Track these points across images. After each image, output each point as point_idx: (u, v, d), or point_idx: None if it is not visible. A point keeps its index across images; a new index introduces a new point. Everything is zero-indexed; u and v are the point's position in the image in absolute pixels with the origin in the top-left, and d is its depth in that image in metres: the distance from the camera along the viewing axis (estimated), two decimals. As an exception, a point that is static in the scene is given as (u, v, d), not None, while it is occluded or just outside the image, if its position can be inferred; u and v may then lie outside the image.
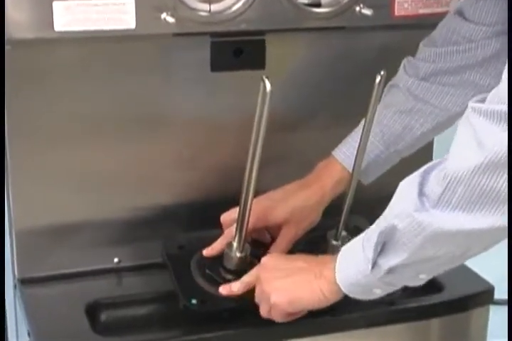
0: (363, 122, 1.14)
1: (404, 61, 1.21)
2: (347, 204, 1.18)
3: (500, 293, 1.26)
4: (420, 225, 0.92)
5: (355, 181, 1.16)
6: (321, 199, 1.18)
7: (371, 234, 1.00)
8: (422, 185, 0.93)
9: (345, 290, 1.04)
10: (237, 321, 1.15)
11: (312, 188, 1.19)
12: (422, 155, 1.35)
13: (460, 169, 0.88)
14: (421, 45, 1.20)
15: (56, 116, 1.20)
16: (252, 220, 1.13)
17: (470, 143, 0.87)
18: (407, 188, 0.95)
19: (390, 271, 0.98)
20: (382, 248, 0.98)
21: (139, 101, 1.23)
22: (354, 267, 1.01)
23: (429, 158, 1.38)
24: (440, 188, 0.90)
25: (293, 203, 1.18)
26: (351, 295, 1.04)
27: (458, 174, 0.88)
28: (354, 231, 1.25)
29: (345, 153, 1.19)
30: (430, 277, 1.02)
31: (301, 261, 1.09)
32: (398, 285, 1.03)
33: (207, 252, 1.18)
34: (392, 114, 1.18)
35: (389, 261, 0.97)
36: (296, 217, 1.17)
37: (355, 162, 1.15)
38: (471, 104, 0.89)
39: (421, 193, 0.93)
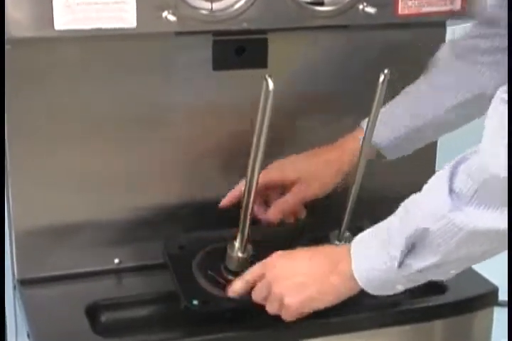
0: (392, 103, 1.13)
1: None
2: (349, 204, 1.17)
3: (505, 294, 1.26)
4: (457, 226, 0.89)
5: (358, 181, 1.16)
6: (338, 165, 1.17)
7: (395, 233, 0.97)
8: (451, 181, 0.91)
9: (362, 285, 1.02)
10: (239, 322, 1.14)
11: (332, 153, 1.18)
12: (424, 157, 1.36)
13: (495, 165, 0.85)
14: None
15: (56, 116, 1.20)
16: (266, 176, 1.12)
17: (501, 135, 0.84)
18: (436, 184, 0.93)
19: (421, 270, 0.97)
20: (410, 248, 0.96)
21: (139, 100, 1.22)
22: (375, 263, 0.99)
23: (432, 160, 1.39)
24: (475, 185, 0.87)
25: (308, 163, 1.18)
26: (369, 290, 1.03)
27: (493, 170, 0.86)
28: (357, 231, 1.25)
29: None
30: (460, 271, 1.01)
31: (307, 258, 1.08)
32: (424, 281, 1.02)
33: (222, 203, 1.19)
34: (421, 90, 1.17)
35: (420, 263, 0.96)
36: (309, 177, 1.16)
37: (358, 162, 1.15)
38: (500, 94, 0.87)
39: (451, 190, 0.90)
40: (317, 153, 1.20)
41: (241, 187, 1.14)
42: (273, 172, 1.18)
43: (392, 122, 1.16)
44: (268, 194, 1.21)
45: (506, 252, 0.99)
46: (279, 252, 1.13)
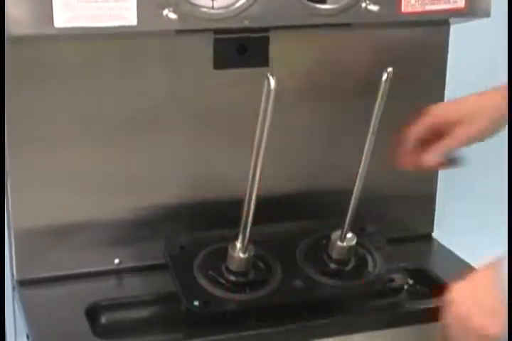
0: None
1: None
2: (352, 204, 1.17)
3: None
4: None
5: (360, 182, 1.16)
6: (496, 105, 1.16)
7: None
8: None
9: None
10: (240, 323, 1.14)
11: (488, 94, 1.17)
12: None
13: None
14: None
15: (56, 116, 1.20)
16: (429, 118, 1.15)
17: None
18: None
19: None
20: None
21: (140, 99, 1.22)
22: None
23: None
24: None
25: (467, 104, 1.17)
26: None
27: None
28: (360, 232, 1.25)
29: None
30: None
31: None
32: None
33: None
34: None
35: None
36: (474, 116, 1.16)
37: (361, 162, 1.14)
38: None
39: None
40: (479, 93, 1.20)
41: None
42: (436, 113, 1.18)
43: None
44: (426, 140, 1.19)
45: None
46: (458, 284, 1.09)
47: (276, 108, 1.04)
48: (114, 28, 1.12)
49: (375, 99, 1.11)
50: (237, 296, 1.16)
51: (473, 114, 1.17)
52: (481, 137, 1.20)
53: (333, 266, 1.21)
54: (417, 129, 1.17)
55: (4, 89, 1.13)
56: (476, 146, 1.26)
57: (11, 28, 1.09)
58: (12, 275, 1.25)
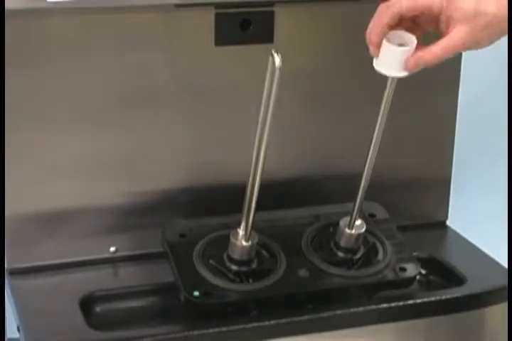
0: None
1: None
2: (361, 190, 1.17)
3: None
4: None
5: (370, 165, 1.15)
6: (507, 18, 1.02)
7: None
8: None
9: None
10: (243, 315, 1.14)
11: (502, 1, 1.03)
12: (437, 141, 1.36)
13: None
14: None
15: (50, 97, 1.20)
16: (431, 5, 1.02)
17: None
18: None
19: None
20: None
21: (138, 78, 1.22)
22: None
23: (447, 145, 1.38)
24: None
25: (481, 7, 1.02)
26: None
27: None
28: (369, 219, 1.24)
29: None
30: None
31: None
32: None
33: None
34: None
35: None
36: (475, 22, 1.02)
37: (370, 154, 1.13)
38: None
39: None
40: None
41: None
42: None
43: None
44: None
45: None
46: None
47: (281, 88, 1.03)
48: (111, 1, 1.12)
49: (386, 79, 1.10)
50: (239, 286, 1.16)
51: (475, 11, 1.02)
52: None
53: (340, 254, 1.21)
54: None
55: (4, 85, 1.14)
56: (492, 132, 1.26)
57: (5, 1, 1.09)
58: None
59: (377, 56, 1.05)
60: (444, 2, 1.03)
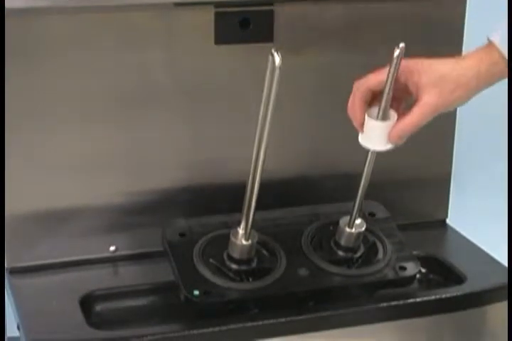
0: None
1: None
2: (361, 189, 1.17)
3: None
4: None
5: (370, 163, 1.15)
6: (476, 75, 1.07)
7: None
8: None
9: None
10: (243, 314, 1.14)
11: (467, 61, 1.08)
12: (438, 140, 1.36)
13: None
14: None
15: (51, 95, 1.20)
16: (397, 76, 1.05)
17: None
18: None
19: None
20: None
21: (137, 76, 1.22)
22: None
23: (447, 143, 1.38)
24: None
25: (444, 69, 1.07)
26: None
27: None
28: (369, 218, 1.24)
29: (502, 36, 1.07)
30: None
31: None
32: None
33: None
34: None
35: None
36: (443, 86, 1.06)
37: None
38: None
39: None
40: (457, 58, 1.11)
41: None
42: (406, 72, 1.07)
43: None
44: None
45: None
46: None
47: (281, 87, 1.03)
48: (110, 0, 1.12)
49: (386, 77, 1.10)
50: (239, 285, 1.16)
51: (446, 83, 1.07)
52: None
53: (340, 253, 1.21)
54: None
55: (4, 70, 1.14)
56: (492, 131, 1.26)
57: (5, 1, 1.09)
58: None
59: (362, 131, 1.09)
60: (408, 72, 1.06)
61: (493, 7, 1.34)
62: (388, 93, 1.06)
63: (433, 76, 1.06)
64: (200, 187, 1.28)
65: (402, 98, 1.09)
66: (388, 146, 1.08)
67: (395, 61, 1.07)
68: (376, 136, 1.07)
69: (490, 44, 1.08)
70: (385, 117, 1.06)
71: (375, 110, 1.07)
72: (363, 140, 1.09)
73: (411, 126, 1.06)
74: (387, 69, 1.06)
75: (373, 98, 1.08)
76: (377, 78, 1.07)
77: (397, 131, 1.07)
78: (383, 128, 1.06)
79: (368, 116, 1.07)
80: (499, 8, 1.24)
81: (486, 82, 1.08)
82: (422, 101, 1.06)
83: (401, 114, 1.08)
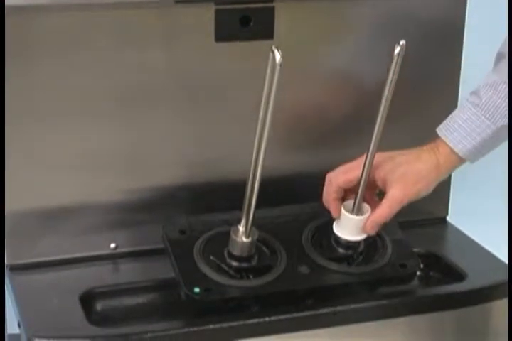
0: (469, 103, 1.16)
1: None
2: (361, 186, 1.16)
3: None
4: None
5: (370, 161, 1.15)
6: (435, 167, 1.16)
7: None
8: None
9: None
10: (243, 311, 1.15)
11: (426, 154, 1.17)
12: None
13: None
14: None
15: (50, 92, 1.20)
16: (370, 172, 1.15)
17: None
18: None
19: None
20: None
21: (137, 74, 1.22)
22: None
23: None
24: None
25: (406, 164, 1.16)
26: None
27: None
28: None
29: (456, 138, 1.16)
30: None
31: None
32: None
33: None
34: (497, 85, 1.15)
35: None
36: (406, 180, 1.15)
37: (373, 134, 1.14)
38: None
39: None
40: (418, 150, 1.20)
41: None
42: (375, 168, 1.17)
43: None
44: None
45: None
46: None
47: (281, 83, 1.04)
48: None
49: (387, 75, 1.10)
50: (239, 283, 1.16)
51: (407, 177, 1.17)
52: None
53: (341, 251, 1.21)
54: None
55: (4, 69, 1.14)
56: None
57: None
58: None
59: (338, 219, 1.19)
60: (374, 167, 1.16)
61: (493, 7, 1.35)
62: (363, 183, 1.15)
63: (396, 172, 1.15)
64: (201, 185, 1.29)
65: (374, 188, 1.19)
66: (362, 236, 1.18)
67: (395, 59, 1.07)
68: (351, 227, 1.18)
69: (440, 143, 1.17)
70: (359, 210, 1.17)
71: (350, 204, 1.17)
72: (338, 230, 1.19)
73: (382, 218, 1.17)
74: (357, 165, 1.16)
75: (349, 190, 1.19)
76: (347, 177, 1.17)
77: (371, 223, 1.17)
78: (358, 221, 1.17)
79: (344, 209, 1.17)
80: (499, 8, 1.25)
81: (446, 171, 1.18)
82: (389, 195, 1.15)
83: (375, 202, 1.18)
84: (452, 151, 1.16)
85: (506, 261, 1.26)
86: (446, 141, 1.16)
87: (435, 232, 1.39)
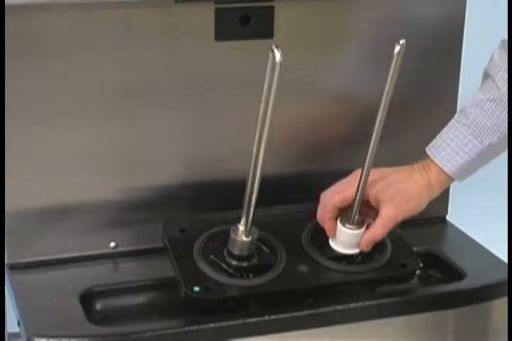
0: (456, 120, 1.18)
1: (500, 45, 1.18)
2: (361, 185, 1.17)
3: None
4: None
5: (370, 161, 1.15)
6: (426, 185, 1.19)
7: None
8: None
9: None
10: (243, 310, 1.15)
11: (417, 173, 1.19)
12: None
13: None
14: None
15: (49, 91, 1.20)
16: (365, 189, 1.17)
17: None
18: None
19: None
20: None
21: (137, 72, 1.22)
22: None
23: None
24: None
25: (397, 182, 1.18)
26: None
27: None
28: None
29: (444, 157, 1.18)
30: None
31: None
32: None
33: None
34: (483, 104, 1.18)
35: None
36: (398, 199, 1.18)
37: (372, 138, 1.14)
38: None
39: None
40: (410, 168, 1.22)
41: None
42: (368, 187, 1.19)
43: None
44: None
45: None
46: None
47: (281, 82, 1.04)
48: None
49: (387, 74, 1.10)
50: (239, 282, 1.16)
51: (399, 195, 1.18)
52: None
53: (340, 250, 1.22)
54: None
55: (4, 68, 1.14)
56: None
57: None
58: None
59: (334, 236, 1.20)
60: (367, 186, 1.17)
61: (493, 7, 1.35)
62: (359, 199, 1.17)
63: (389, 191, 1.18)
64: (201, 184, 1.29)
65: (368, 207, 1.20)
66: (356, 250, 1.20)
67: (395, 57, 1.08)
68: (347, 241, 1.19)
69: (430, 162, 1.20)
70: (355, 225, 1.18)
71: (346, 218, 1.18)
72: (335, 244, 1.20)
73: (377, 236, 1.18)
74: (350, 184, 1.17)
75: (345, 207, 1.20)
76: (342, 197, 1.19)
77: (366, 241, 1.18)
78: (355, 235, 1.18)
79: (341, 223, 1.18)
80: (499, 8, 1.25)
81: (438, 189, 1.20)
82: (382, 214, 1.17)
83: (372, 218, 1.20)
84: (441, 170, 1.18)
85: (506, 260, 1.26)
86: (436, 161, 1.18)
87: (435, 231, 1.39)
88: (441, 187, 1.20)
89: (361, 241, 1.18)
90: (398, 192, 1.17)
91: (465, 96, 1.30)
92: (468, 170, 1.19)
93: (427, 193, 1.19)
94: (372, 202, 1.19)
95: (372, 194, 1.18)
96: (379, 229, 1.18)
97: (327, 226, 1.20)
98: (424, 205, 1.19)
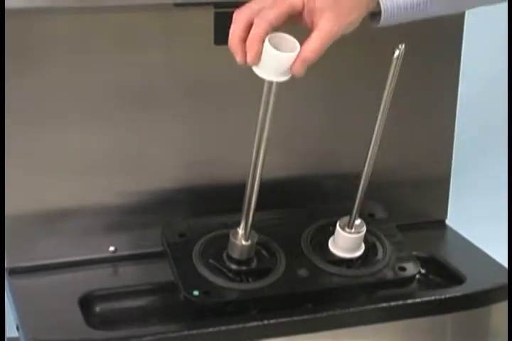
0: None
1: None
2: (360, 189, 1.17)
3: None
4: None
5: (370, 164, 1.15)
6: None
7: None
8: None
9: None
10: (242, 314, 1.15)
11: None
12: (439, 141, 1.36)
13: None
14: None
15: (50, 95, 1.20)
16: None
17: None
18: None
19: None
20: None
21: (137, 76, 1.22)
22: None
23: (447, 143, 1.38)
24: None
25: None
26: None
27: None
28: (369, 218, 1.25)
29: None
30: None
31: None
32: None
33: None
34: None
35: None
36: (339, 10, 1.01)
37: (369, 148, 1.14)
38: None
39: None
40: None
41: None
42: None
43: None
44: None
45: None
46: None
47: (280, 86, 1.04)
48: (111, 0, 1.12)
49: (386, 78, 1.10)
50: (239, 286, 1.16)
51: (338, 4, 1.02)
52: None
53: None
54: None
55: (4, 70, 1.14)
56: (492, 131, 1.26)
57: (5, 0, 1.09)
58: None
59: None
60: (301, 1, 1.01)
61: (493, 7, 1.34)
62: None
63: (328, 1, 1.01)
64: (200, 188, 1.29)
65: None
66: (356, 254, 1.18)
67: (394, 62, 1.08)
68: (347, 245, 1.17)
69: None
70: (355, 229, 1.17)
71: (346, 222, 1.17)
72: (334, 248, 1.18)
73: (314, 54, 1.01)
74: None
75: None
76: (277, 13, 1.01)
77: (300, 62, 1.01)
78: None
79: (340, 227, 1.17)
80: (499, 8, 1.25)
81: (366, 11, 1.04)
82: (320, 26, 1.01)
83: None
84: None
85: (506, 264, 1.26)
86: None
87: (434, 235, 1.39)
88: (367, 11, 1.05)
89: (295, 63, 1.01)
90: (338, 3, 1.01)
91: (465, 96, 1.30)
92: (398, 13, 1.05)
93: (366, 8, 1.04)
94: (307, 17, 1.02)
95: (309, 5, 1.01)
96: (316, 45, 1.00)
97: (257, 48, 1.00)
98: (360, 21, 1.04)
